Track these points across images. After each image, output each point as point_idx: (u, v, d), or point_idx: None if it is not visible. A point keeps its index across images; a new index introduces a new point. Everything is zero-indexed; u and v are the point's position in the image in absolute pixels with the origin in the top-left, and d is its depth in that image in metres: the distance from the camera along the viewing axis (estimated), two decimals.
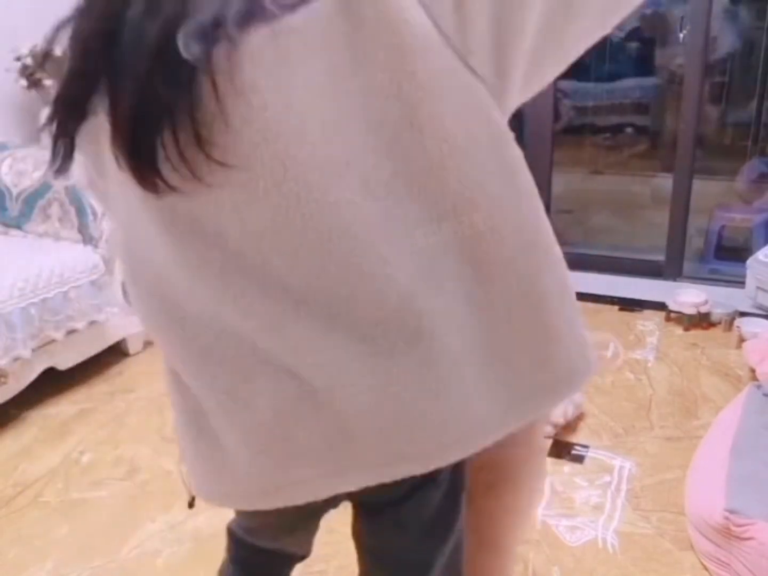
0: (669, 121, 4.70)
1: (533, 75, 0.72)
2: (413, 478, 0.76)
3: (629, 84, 4.76)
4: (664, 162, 4.50)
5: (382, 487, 0.76)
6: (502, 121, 0.72)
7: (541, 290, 0.76)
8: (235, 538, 1.09)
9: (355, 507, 0.91)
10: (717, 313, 2.94)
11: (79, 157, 0.73)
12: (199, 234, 0.68)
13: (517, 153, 0.73)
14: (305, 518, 1.01)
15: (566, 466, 2.03)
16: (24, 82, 3.11)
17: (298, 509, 0.80)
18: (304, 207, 0.64)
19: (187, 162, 0.62)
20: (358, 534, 0.93)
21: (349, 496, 0.84)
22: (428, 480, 0.80)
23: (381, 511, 0.87)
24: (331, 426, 0.73)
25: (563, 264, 0.82)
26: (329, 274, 0.67)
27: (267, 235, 0.66)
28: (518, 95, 0.73)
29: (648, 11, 4.43)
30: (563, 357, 0.79)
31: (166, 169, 0.63)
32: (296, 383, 0.72)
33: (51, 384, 2.46)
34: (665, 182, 3.51)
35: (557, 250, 0.81)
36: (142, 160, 0.63)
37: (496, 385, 0.74)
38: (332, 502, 0.85)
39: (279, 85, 0.61)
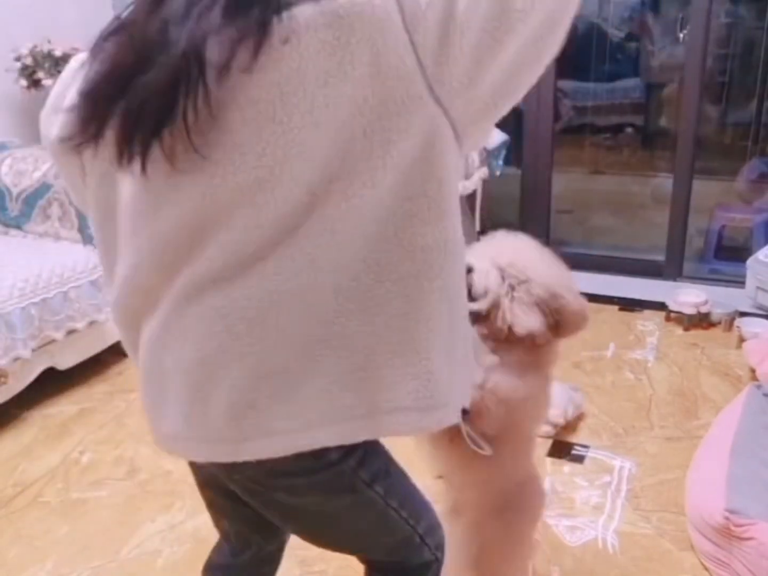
0: (662, 121, 4.71)
1: (489, 110, 0.76)
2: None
3: (629, 84, 4.76)
4: (653, 162, 4.52)
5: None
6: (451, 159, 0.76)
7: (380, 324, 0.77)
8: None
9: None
10: (717, 313, 2.94)
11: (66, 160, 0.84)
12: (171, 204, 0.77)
13: (450, 191, 0.77)
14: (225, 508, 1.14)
15: (566, 466, 2.03)
16: (24, 82, 3.11)
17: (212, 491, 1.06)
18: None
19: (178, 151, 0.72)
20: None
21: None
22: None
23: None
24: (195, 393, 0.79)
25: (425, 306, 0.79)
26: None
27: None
28: (472, 129, 0.77)
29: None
30: (426, 377, 0.80)
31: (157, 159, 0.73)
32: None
33: (51, 384, 2.46)
34: (665, 182, 3.52)
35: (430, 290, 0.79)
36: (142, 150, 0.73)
37: (349, 384, 0.77)
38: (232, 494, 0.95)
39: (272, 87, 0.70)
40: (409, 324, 0.78)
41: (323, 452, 0.82)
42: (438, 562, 1.03)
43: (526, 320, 1.14)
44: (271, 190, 0.72)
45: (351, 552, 1.04)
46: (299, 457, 0.80)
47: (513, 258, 1.17)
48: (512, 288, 1.15)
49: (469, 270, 1.14)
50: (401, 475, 0.98)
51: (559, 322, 1.17)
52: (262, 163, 0.72)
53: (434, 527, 1.03)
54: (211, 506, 1.16)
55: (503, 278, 1.16)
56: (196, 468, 1.04)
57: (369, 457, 0.89)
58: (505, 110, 0.77)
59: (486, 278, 1.16)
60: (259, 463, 0.81)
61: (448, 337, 0.82)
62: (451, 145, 0.75)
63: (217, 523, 1.20)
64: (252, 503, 0.95)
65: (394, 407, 0.79)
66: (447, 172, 0.76)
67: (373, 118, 0.70)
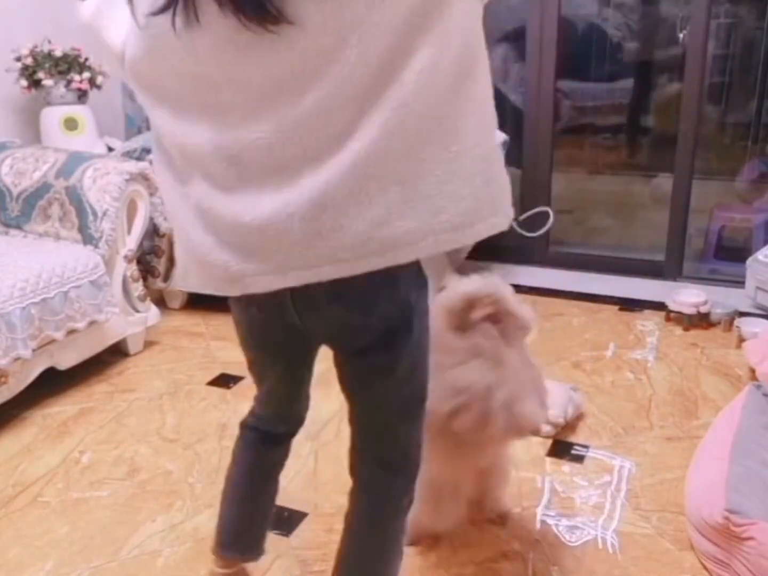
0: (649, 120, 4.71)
1: None
2: (381, 328, 1.05)
3: (629, 84, 4.76)
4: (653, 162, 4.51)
5: (354, 336, 1.06)
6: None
7: (460, 125, 0.93)
8: (244, 426, 1.39)
9: (335, 355, 1.15)
10: (717, 313, 2.94)
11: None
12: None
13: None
14: (288, 356, 1.24)
15: (566, 466, 2.04)
16: (24, 83, 3.11)
17: (279, 347, 1.18)
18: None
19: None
20: (341, 379, 1.16)
21: (330, 343, 1.13)
22: (393, 334, 1.06)
23: (353, 359, 1.12)
24: (274, 231, 0.94)
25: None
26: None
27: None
28: None
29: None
30: (475, 192, 0.95)
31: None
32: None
33: (51, 384, 2.46)
34: (665, 182, 3.52)
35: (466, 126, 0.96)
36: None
37: (412, 208, 0.92)
38: (307, 342, 1.17)
39: None
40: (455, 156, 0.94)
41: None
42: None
43: None
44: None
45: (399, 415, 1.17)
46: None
47: None
48: None
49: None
50: None
51: None
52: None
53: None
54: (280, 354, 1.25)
55: None
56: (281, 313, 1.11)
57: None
58: None
59: None
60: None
61: (489, 158, 0.97)
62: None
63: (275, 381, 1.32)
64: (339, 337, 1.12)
65: (448, 227, 0.94)
66: None
67: None
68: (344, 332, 1.08)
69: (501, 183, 1.00)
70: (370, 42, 0.86)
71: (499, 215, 0.99)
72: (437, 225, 0.93)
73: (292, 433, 1.40)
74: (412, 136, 0.90)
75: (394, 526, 1.22)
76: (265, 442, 1.38)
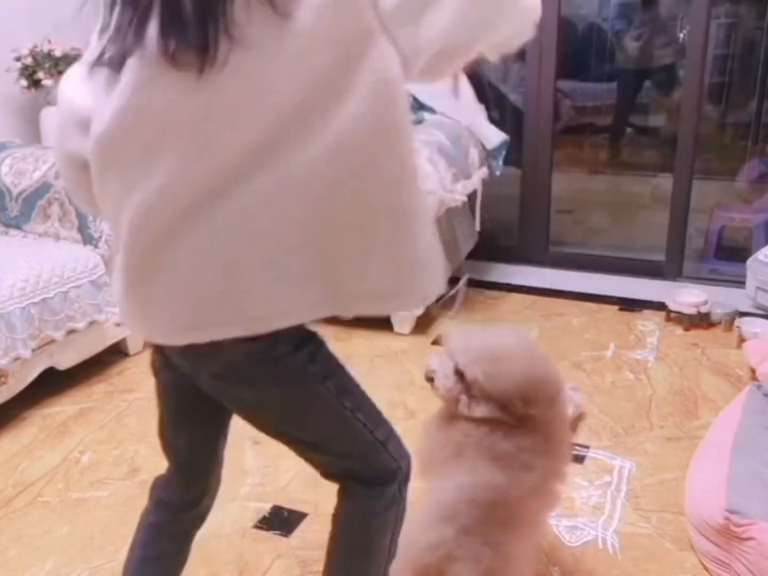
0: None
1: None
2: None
3: (629, 84, 4.76)
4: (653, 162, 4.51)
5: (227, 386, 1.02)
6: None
7: (365, 211, 0.90)
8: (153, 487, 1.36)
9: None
10: (717, 313, 2.94)
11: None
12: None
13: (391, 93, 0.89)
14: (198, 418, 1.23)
15: None
16: (24, 82, 3.11)
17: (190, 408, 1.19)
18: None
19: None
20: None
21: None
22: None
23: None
24: (167, 283, 0.94)
25: (401, 188, 0.92)
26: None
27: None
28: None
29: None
30: (377, 276, 0.93)
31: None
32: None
33: (51, 384, 2.46)
34: (665, 182, 3.52)
35: (398, 175, 0.91)
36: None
37: (313, 280, 0.90)
38: (213, 404, 1.10)
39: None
40: (360, 235, 0.90)
41: (273, 345, 0.94)
42: (402, 470, 1.11)
43: (473, 410, 1.25)
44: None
45: (318, 455, 1.09)
46: (250, 349, 0.93)
47: (473, 357, 1.24)
48: (468, 388, 1.24)
49: (430, 378, 1.27)
50: (356, 386, 1.07)
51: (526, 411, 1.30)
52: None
53: (394, 437, 1.11)
54: (177, 415, 1.27)
55: (461, 379, 1.25)
56: (170, 375, 1.13)
57: (319, 355, 1.01)
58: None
59: (444, 383, 1.27)
60: (218, 355, 0.95)
61: (397, 243, 0.93)
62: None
63: (175, 440, 1.32)
64: (221, 400, 1.08)
65: (352, 296, 0.93)
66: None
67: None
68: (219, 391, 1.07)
69: (418, 266, 0.96)
70: (268, 101, 0.83)
71: (413, 297, 0.98)
72: (343, 297, 0.92)
73: (201, 507, 1.33)
74: (314, 208, 0.87)
75: (368, 529, 1.14)
76: (172, 509, 1.33)
